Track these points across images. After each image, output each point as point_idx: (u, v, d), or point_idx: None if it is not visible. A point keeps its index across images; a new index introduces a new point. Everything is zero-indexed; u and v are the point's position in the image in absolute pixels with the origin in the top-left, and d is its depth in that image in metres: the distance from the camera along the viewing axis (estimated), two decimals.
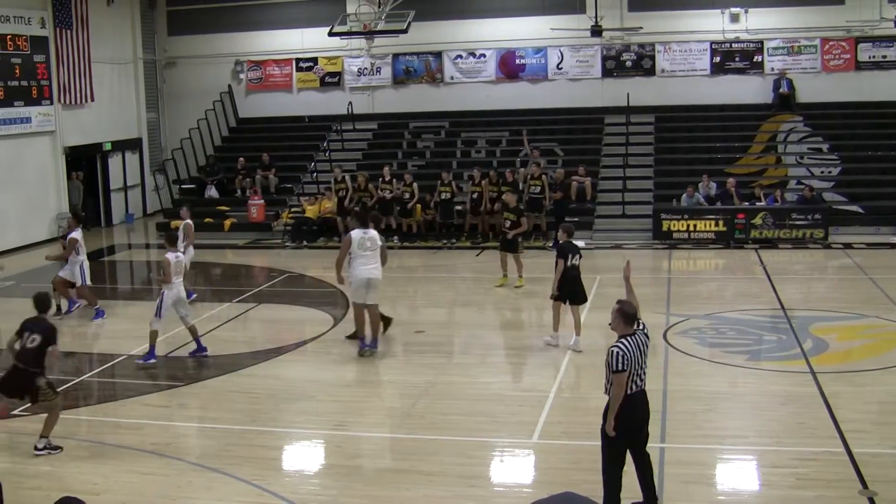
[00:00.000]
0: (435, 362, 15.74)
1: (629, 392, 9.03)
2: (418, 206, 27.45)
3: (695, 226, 25.82)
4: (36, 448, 11.57)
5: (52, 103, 29.66)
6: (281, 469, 11.40)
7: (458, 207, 27.52)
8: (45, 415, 11.77)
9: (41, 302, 12.07)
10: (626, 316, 9.23)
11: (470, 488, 10.45)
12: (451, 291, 19.56)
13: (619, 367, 8.95)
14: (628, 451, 9.28)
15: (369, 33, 29.51)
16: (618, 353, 8.99)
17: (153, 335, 15.50)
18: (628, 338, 9.14)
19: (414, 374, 15.07)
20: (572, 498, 6.98)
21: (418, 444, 11.84)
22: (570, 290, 15.91)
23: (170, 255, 15.67)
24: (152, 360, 15.43)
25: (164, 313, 15.53)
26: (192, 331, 15.88)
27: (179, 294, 15.72)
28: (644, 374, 9.24)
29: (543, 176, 26.69)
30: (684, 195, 26.67)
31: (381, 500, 10.25)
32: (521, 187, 26.68)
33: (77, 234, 19.19)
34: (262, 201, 29.52)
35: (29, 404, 11.98)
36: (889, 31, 29.80)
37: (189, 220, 21.02)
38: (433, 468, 10.95)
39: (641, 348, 9.16)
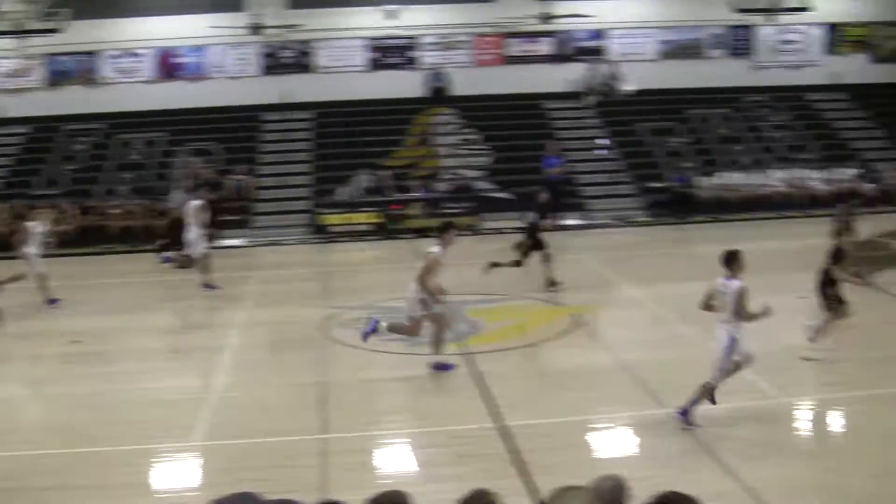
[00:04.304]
0: (95, 371, 15.29)
1: None
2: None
3: (353, 219, 26.22)
4: None
5: None
6: None
7: None
8: None
9: None
10: None
11: (138, 497, 10.21)
12: (106, 298, 18.98)
13: None
14: None
15: (22, 33, 28.11)
16: None
17: None
18: None
19: (75, 385, 14.53)
20: (247, 497, 6.98)
21: (81, 457, 11.40)
22: None
23: None
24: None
25: None
26: None
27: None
28: None
29: None
30: (344, 188, 27.01)
31: None
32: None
33: None
34: None
35: None
36: (535, 27, 31.57)
37: None
38: (93, 482, 10.56)
39: None
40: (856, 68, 34.52)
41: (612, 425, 12.02)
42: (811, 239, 23.95)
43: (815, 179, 29.15)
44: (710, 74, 33.50)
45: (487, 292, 19.10)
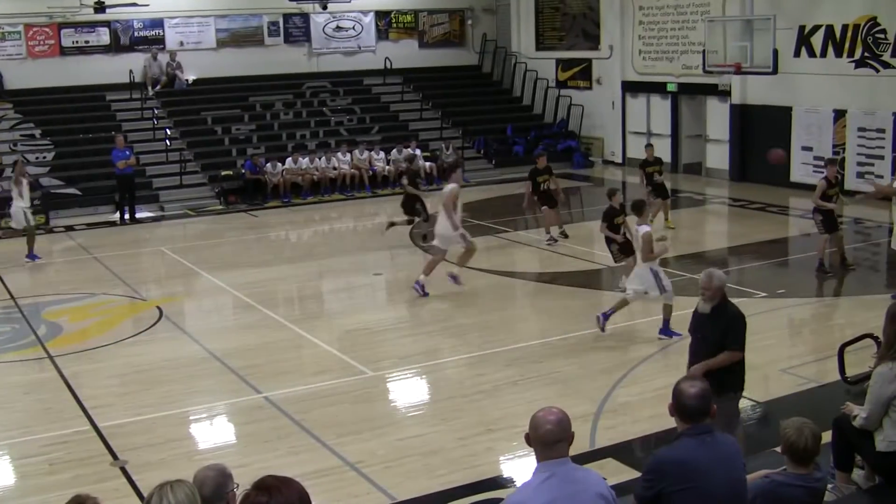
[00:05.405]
0: None
1: None
2: None
3: None
4: None
5: None
6: None
7: None
8: None
9: None
10: None
11: None
12: None
13: None
14: None
15: None
16: None
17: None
18: None
19: None
20: None
21: None
22: None
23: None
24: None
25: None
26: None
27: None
28: None
29: None
30: None
31: None
32: None
33: None
34: None
35: None
36: (90, 17, 30.68)
37: None
38: None
39: None
40: (406, 53, 36.38)
41: (208, 415, 12.19)
42: (380, 217, 25.28)
43: (379, 160, 30.44)
44: (270, 62, 34.04)
45: (66, 292, 18.59)
